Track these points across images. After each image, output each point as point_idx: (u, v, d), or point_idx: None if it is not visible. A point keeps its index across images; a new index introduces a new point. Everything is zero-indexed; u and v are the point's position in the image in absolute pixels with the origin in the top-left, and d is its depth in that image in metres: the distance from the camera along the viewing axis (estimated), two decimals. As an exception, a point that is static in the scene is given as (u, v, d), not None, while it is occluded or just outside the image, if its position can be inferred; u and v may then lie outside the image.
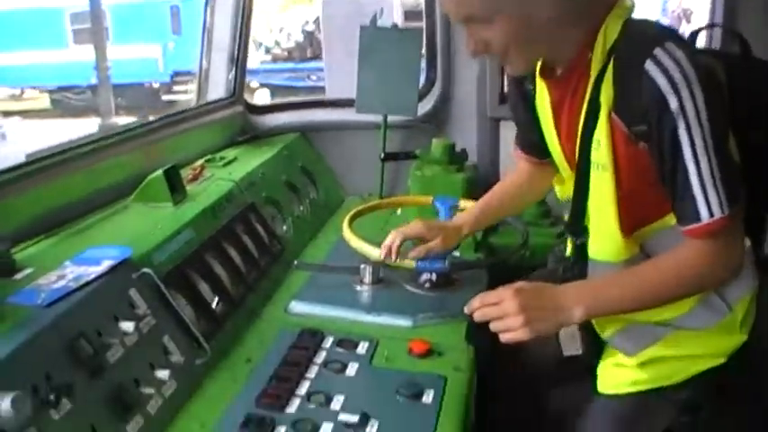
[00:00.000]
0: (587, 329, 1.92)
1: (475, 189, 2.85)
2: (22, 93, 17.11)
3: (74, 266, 1.83)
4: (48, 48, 15.02)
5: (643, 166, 1.66)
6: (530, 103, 1.95)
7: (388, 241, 2.15)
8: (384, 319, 2.20)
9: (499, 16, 1.62)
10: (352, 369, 1.95)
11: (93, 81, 13.26)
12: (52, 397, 1.44)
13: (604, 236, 1.78)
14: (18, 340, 1.48)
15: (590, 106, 1.69)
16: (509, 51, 1.69)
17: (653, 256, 1.75)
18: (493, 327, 1.73)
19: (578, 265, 1.91)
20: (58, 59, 14.99)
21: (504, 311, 1.70)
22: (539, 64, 1.84)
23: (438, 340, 2.08)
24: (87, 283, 1.73)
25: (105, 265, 1.82)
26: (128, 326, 1.71)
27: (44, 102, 16.28)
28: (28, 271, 1.82)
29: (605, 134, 1.67)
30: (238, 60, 3.15)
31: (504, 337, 1.72)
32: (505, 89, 3.09)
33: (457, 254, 2.52)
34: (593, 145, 1.70)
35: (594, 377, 1.96)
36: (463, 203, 2.66)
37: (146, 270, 1.86)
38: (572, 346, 1.94)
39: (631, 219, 1.75)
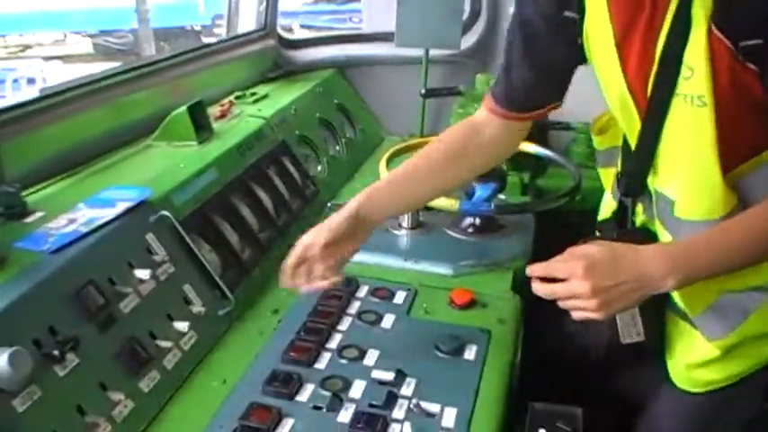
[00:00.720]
0: (647, 308, 1.59)
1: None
2: (65, 37, 17.12)
3: (87, 209, 1.70)
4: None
5: (749, 95, 1.35)
6: (571, 36, 1.58)
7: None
8: (423, 266, 2.05)
9: None
10: (387, 321, 1.80)
11: (135, 25, 13.21)
12: (56, 352, 1.33)
13: (699, 188, 1.46)
14: (19, 290, 1.37)
15: (676, 22, 1.35)
16: None
17: (750, 205, 1.44)
18: (562, 305, 1.45)
19: (627, 234, 1.64)
20: (100, 4, 14.94)
21: (573, 293, 1.41)
22: None
23: (481, 290, 1.92)
24: (99, 227, 1.60)
25: (120, 207, 1.68)
26: (143, 273, 1.59)
27: (86, 46, 16.24)
28: (39, 214, 1.69)
29: (703, 56, 1.33)
30: (270, -10, 2.97)
31: (575, 315, 1.45)
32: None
33: (502, 196, 2.36)
34: (683, 73, 1.37)
35: (659, 355, 1.72)
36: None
37: (164, 212, 1.72)
38: (632, 330, 1.64)
39: (727, 160, 1.42)
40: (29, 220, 1.68)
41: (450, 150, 1.74)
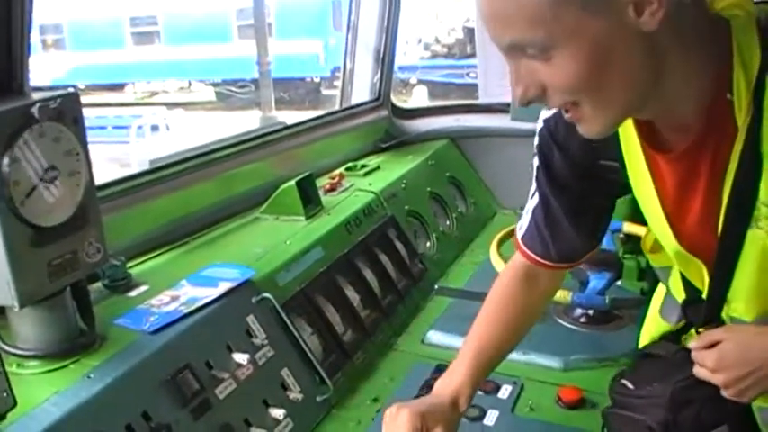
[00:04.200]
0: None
1: (641, 211, 2.54)
2: (190, 85, 17.76)
3: (189, 286, 1.69)
4: (214, 43, 15.54)
5: None
6: (611, 179, 1.41)
7: None
8: (531, 357, 1.95)
9: (564, 46, 1.07)
10: (491, 417, 1.72)
11: (256, 75, 13.58)
12: (147, 440, 1.30)
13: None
14: (116, 373, 1.36)
15: (743, 168, 1.20)
16: (581, 101, 1.15)
17: None
18: None
19: None
20: (223, 54, 15.45)
21: (706, 378, 1.34)
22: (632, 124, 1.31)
23: (592, 387, 1.81)
24: (200, 308, 1.58)
25: (222, 287, 1.67)
26: (242, 357, 1.57)
27: (209, 94, 16.80)
28: (143, 288, 1.71)
29: None
30: (385, 60, 2.95)
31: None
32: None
33: (619, 283, 2.24)
34: (758, 217, 1.23)
35: None
36: (627, 227, 2.39)
37: (266, 295, 1.70)
38: None
39: None
40: (133, 294, 1.69)
41: (516, 312, 1.63)
